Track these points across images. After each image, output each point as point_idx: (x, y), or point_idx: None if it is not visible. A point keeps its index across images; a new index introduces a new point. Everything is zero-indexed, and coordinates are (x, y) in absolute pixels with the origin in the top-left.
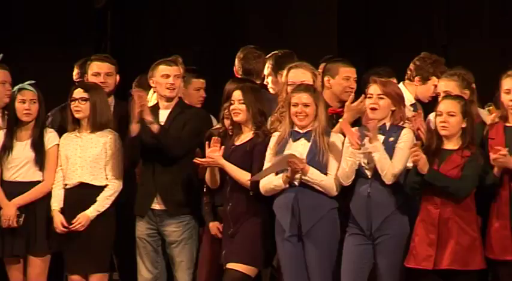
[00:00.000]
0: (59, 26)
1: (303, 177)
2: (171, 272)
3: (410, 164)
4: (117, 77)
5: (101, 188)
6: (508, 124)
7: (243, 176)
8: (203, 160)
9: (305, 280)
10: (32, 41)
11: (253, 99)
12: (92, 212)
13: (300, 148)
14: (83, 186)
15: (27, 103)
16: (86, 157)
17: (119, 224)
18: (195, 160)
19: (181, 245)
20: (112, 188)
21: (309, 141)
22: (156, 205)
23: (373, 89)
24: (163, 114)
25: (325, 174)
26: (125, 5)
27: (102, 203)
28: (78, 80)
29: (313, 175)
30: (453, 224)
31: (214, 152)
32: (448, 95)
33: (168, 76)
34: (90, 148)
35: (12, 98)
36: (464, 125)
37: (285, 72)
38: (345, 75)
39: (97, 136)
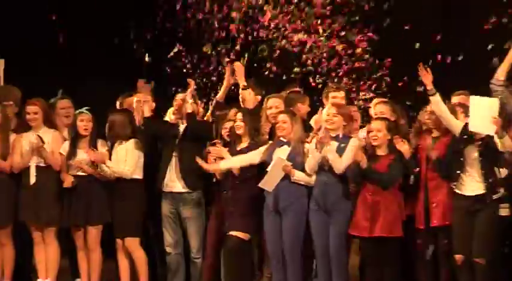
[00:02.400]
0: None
1: (293, 178)
2: (187, 239)
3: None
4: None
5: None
6: (433, 135)
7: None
8: (214, 151)
9: (280, 241)
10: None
11: (249, 119)
12: (105, 165)
13: (281, 152)
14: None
15: (84, 122)
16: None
17: (150, 201)
18: (208, 149)
19: (192, 220)
20: (126, 172)
21: (289, 146)
22: (176, 188)
23: (331, 109)
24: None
25: (303, 170)
26: None
27: (111, 169)
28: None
29: (299, 176)
30: (382, 205)
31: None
32: (377, 117)
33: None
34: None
35: (74, 119)
36: (389, 137)
37: (265, 101)
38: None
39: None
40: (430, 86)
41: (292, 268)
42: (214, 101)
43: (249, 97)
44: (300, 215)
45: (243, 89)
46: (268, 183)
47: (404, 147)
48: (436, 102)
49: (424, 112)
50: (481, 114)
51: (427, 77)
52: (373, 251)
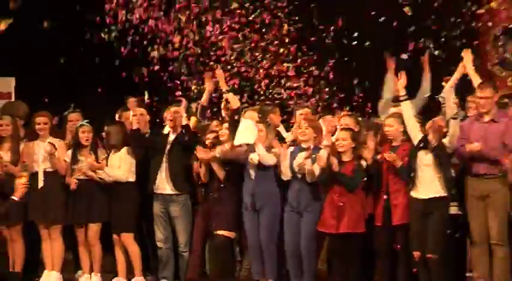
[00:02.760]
0: None
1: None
2: (176, 235)
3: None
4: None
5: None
6: (393, 144)
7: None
8: (203, 152)
9: (258, 236)
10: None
11: (232, 129)
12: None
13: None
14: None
15: (86, 133)
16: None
17: (143, 202)
18: (198, 151)
19: (180, 218)
20: (121, 177)
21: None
22: (166, 191)
23: (303, 122)
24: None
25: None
26: None
27: (108, 174)
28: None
29: (260, 151)
30: (346, 205)
31: (207, 153)
32: (343, 128)
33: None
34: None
35: (76, 130)
36: (353, 145)
37: (242, 113)
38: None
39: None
40: (403, 92)
41: (269, 260)
42: (199, 106)
43: (232, 98)
44: (274, 213)
45: (225, 92)
46: (242, 138)
47: (366, 154)
48: (406, 108)
49: (383, 125)
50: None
51: (401, 82)
52: (340, 246)
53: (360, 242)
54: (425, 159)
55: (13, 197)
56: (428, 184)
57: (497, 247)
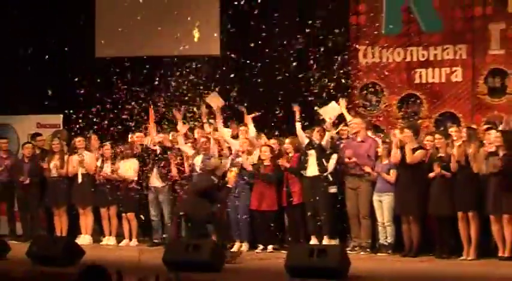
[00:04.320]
0: None
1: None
2: (163, 213)
3: None
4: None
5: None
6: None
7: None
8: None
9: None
10: None
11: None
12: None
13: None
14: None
15: (109, 150)
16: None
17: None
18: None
19: (166, 202)
20: (130, 176)
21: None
22: (157, 184)
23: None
24: None
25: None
26: None
27: (121, 175)
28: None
29: None
30: (266, 192)
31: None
32: (266, 145)
33: None
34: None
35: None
36: (271, 156)
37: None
38: None
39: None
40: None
41: (244, 228)
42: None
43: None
44: (246, 198)
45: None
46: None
47: (281, 161)
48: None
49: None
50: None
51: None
52: (262, 219)
53: (273, 216)
54: (311, 155)
55: (228, 185)
56: (313, 171)
57: (363, 219)
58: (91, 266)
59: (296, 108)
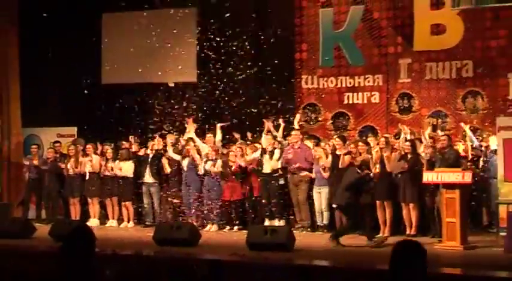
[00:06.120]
0: None
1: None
2: (153, 201)
3: None
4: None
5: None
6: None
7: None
8: None
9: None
10: None
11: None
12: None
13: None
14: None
15: (111, 154)
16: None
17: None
18: None
19: (155, 193)
20: (127, 174)
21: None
22: (148, 180)
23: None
24: None
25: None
26: None
27: (120, 173)
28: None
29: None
30: (233, 189)
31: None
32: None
33: None
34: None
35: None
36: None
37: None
38: None
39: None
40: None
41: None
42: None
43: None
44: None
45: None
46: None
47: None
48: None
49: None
50: None
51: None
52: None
53: (239, 205)
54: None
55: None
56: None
57: (303, 205)
58: (78, 226)
59: (268, 123)
